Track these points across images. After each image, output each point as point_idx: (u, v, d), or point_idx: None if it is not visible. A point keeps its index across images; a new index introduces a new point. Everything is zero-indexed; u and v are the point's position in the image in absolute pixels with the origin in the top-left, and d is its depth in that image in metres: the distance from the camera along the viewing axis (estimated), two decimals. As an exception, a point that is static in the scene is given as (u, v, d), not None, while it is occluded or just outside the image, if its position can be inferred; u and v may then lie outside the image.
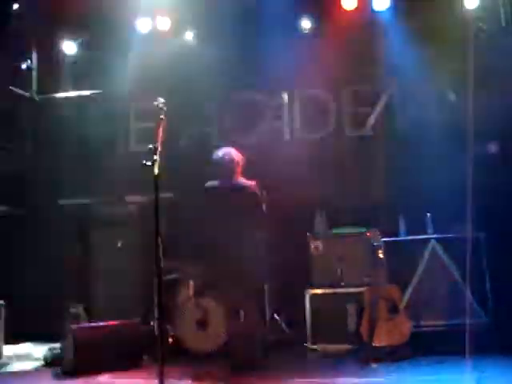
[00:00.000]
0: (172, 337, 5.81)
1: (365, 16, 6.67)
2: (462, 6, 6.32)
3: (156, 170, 3.71)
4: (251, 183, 5.21)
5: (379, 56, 6.74)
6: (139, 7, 6.67)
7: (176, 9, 6.70)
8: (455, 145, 6.31)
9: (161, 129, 3.87)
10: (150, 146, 3.75)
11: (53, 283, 6.55)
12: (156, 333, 5.47)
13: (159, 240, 3.72)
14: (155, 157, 3.72)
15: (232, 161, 5.20)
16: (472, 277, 5.79)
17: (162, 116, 3.93)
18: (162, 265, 6.09)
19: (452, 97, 6.59)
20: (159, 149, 3.76)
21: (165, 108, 3.95)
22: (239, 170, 5.24)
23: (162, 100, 3.97)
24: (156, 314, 5.30)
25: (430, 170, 6.23)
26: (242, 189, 5.17)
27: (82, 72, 7.26)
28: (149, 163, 3.72)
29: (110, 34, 6.92)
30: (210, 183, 5.25)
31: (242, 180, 5.23)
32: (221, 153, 5.26)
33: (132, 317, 5.76)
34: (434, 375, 4.71)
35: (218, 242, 5.13)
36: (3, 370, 5.48)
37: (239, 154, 5.28)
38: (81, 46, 7.19)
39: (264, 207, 5.46)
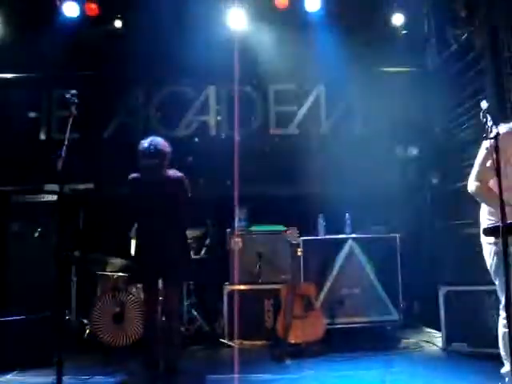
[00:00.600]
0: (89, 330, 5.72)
1: (296, 16, 6.75)
2: (389, 22, 6.54)
3: (59, 166, 3.55)
4: (179, 175, 4.92)
5: (308, 56, 6.82)
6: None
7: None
8: (377, 147, 6.55)
9: (69, 123, 3.71)
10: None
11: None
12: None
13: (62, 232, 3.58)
14: (61, 152, 3.58)
15: (159, 152, 4.85)
16: (386, 276, 6.05)
17: (72, 109, 3.77)
18: (84, 256, 6.01)
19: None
20: (66, 143, 3.61)
21: (76, 100, 3.80)
22: (166, 161, 4.90)
23: (73, 91, 3.81)
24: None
25: (352, 171, 6.36)
26: (169, 181, 4.88)
27: (3, 53, 6.92)
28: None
29: (34, 14, 6.65)
30: (134, 175, 4.90)
31: (169, 172, 4.92)
32: (147, 143, 4.87)
33: (47, 308, 5.57)
34: (347, 371, 4.82)
35: (141, 235, 4.96)
36: None
37: (167, 145, 4.94)
38: (2, 23, 6.83)
39: (190, 200, 5.25)
